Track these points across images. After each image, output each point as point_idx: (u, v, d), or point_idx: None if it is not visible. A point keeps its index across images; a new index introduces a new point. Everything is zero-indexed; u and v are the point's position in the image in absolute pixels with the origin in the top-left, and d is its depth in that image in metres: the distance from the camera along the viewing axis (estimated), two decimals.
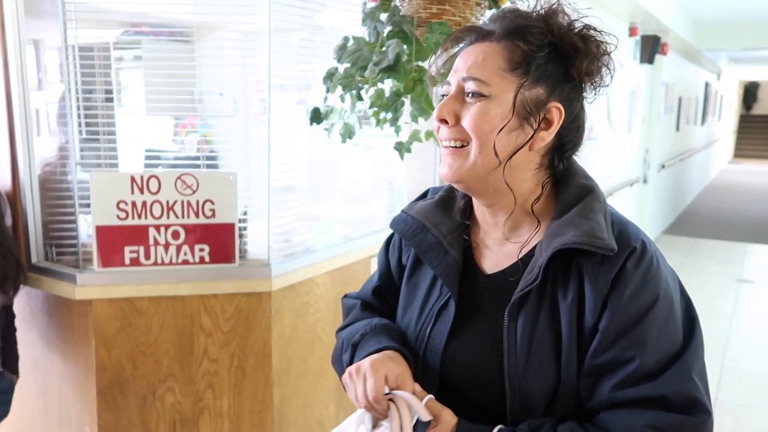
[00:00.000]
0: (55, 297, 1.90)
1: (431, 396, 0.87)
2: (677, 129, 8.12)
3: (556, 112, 0.87)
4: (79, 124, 1.90)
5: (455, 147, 0.89)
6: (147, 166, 2.15)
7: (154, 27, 2.03)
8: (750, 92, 19.88)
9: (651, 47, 5.62)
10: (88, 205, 1.82)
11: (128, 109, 2.11)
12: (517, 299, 0.86)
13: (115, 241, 1.82)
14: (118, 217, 1.81)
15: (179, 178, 1.83)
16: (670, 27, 5.59)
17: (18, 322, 1.96)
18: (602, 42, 0.88)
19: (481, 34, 0.90)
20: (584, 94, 0.91)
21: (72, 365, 1.95)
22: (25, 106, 1.84)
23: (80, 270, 1.85)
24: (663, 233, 7.77)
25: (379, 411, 0.87)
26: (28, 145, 1.86)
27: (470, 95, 0.87)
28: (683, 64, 7.98)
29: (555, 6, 0.88)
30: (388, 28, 1.58)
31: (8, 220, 1.86)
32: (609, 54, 0.89)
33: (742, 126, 19.66)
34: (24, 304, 2.03)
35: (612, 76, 0.91)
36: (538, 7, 0.89)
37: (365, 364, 0.90)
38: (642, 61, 5.70)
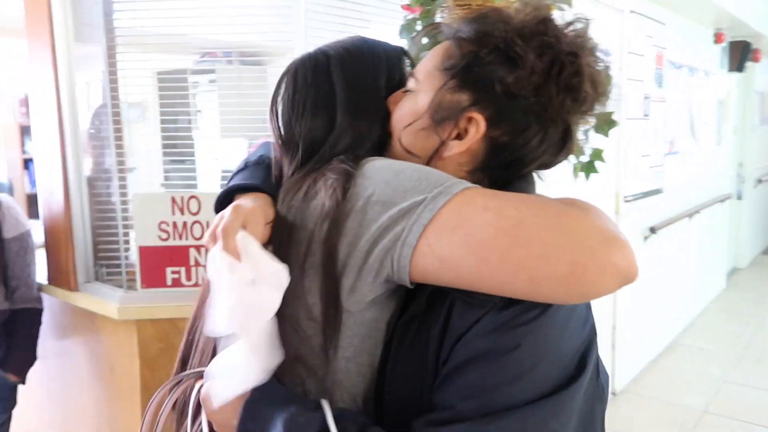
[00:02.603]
0: (101, 316, 1.93)
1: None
2: None
3: (475, 124, 0.75)
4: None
5: None
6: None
7: (227, 52, 2.10)
8: None
9: (740, 54, 5.25)
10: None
11: (203, 132, 2.15)
12: (402, 323, 0.76)
13: (157, 262, 1.82)
14: (159, 237, 1.81)
15: None
16: (761, 32, 5.20)
17: (62, 339, 1.99)
18: (562, 56, 0.72)
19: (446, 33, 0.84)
20: (543, 121, 0.74)
21: (118, 385, 1.96)
22: (75, 126, 1.91)
23: (125, 290, 1.87)
24: (762, 253, 7.19)
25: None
26: (78, 167, 1.92)
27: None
28: None
29: (542, 13, 0.74)
30: (425, 40, 1.53)
31: (6, 233, 1.92)
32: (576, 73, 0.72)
33: None
34: (69, 320, 2.08)
35: (597, 105, 0.75)
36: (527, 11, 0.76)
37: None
38: (731, 69, 5.32)
